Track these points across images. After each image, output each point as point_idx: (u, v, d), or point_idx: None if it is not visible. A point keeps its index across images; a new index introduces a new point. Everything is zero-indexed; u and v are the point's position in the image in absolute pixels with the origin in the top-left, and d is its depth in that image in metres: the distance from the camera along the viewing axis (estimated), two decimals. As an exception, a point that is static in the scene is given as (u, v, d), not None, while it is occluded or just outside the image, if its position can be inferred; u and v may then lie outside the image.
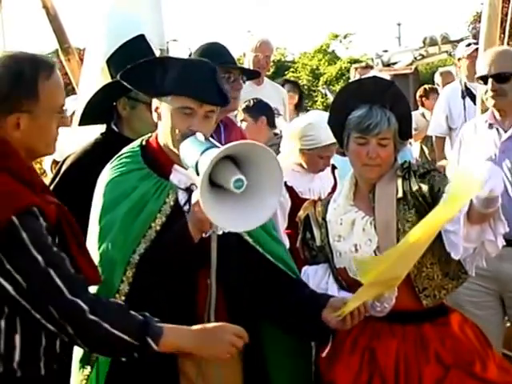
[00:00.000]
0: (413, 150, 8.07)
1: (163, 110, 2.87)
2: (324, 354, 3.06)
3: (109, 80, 3.59)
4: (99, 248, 2.79)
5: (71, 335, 2.34)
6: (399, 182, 3.16)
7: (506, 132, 3.94)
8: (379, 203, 3.16)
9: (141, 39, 3.72)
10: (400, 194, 3.14)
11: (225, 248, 2.83)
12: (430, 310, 3.16)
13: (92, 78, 4.21)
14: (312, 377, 3.18)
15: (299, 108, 8.05)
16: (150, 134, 3.01)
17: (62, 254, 2.35)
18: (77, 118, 3.81)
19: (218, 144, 2.74)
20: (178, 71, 2.85)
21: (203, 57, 3.59)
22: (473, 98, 6.29)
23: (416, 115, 7.76)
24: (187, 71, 2.86)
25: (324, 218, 3.28)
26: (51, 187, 3.19)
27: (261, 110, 5.63)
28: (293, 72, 28.64)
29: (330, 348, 3.05)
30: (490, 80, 3.92)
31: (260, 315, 3.02)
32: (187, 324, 2.55)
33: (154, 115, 2.92)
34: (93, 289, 2.55)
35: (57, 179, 3.51)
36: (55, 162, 4.31)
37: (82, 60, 5.09)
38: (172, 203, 2.88)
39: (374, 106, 3.14)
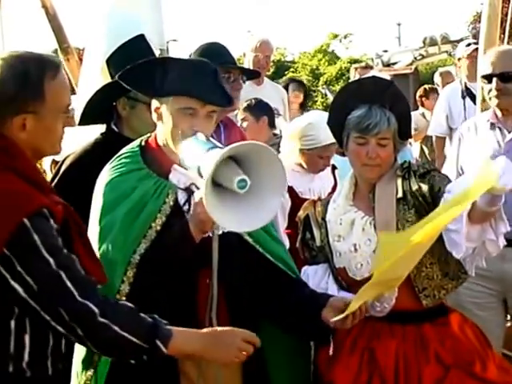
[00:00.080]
0: (413, 150, 8.07)
1: (164, 110, 2.87)
2: (330, 353, 3.05)
3: (108, 80, 3.59)
4: (99, 248, 2.78)
5: (81, 337, 2.33)
6: (399, 181, 3.16)
7: (510, 132, 3.93)
8: (379, 203, 3.16)
9: (141, 39, 3.72)
10: (400, 194, 3.14)
11: (225, 248, 2.83)
12: (429, 310, 3.16)
13: (92, 77, 4.21)
14: (311, 376, 3.18)
15: (304, 107, 8.02)
16: (148, 135, 3.01)
17: (73, 256, 2.35)
18: (76, 118, 3.81)
19: (218, 144, 2.74)
20: (180, 71, 2.85)
21: (203, 57, 3.59)
22: (473, 97, 6.29)
23: (416, 115, 7.77)
24: (189, 71, 2.86)
25: (324, 218, 3.28)
26: (51, 187, 3.18)
27: (262, 110, 5.63)
28: (293, 72, 28.61)
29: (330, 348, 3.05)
30: (494, 79, 3.90)
31: (260, 315, 3.02)
32: (187, 324, 2.54)
33: (154, 115, 2.92)
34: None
35: (56, 179, 3.51)
36: (55, 162, 4.31)
37: (81, 60, 5.10)
38: (172, 203, 2.88)
39: (373, 105, 3.14)
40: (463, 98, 6.77)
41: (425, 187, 3.11)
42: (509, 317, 4.32)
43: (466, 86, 6.80)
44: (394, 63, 14.50)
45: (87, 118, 3.67)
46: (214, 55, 3.84)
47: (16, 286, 2.27)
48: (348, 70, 17.08)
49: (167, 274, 2.80)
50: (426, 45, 14.10)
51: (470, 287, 3.86)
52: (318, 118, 4.27)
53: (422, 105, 9.22)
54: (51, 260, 2.28)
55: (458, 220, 2.92)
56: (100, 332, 2.33)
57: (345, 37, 34.65)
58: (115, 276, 2.75)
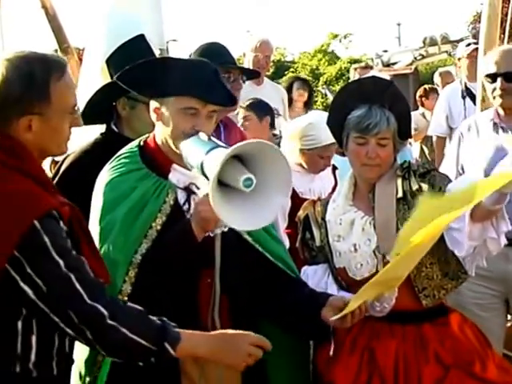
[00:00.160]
0: (413, 150, 8.08)
1: (165, 110, 2.87)
2: (331, 353, 3.05)
3: (108, 80, 3.59)
4: (100, 249, 2.78)
5: (90, 340, 2.33)
6: (399, 181, 3.16)
7: None
8: (379, 203, 3.16)
9: (140, 39, 3.72)
10: (400, 194, 3.14)
11: (225, 247, 2.84)
12: (429, 310, 3.16)
13: (91, 77, 4.21)
14: (310, 376, 3.18)
15: (308, 105, 8.00)
16: (147, 135, 3.01)
17: (82, 258, 2.35)
18: (76, 118, 3.80)
19: (221, 143, 2.74)
20: (181, 72, 2.84)
21: (203, 57, 3.60)
22: (473, 97, 6.29)
23: (416, 115, 7.78)
24: (189, 71, 2.86)
25: (323, 218, 3.28)
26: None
27: (265, 110, 5.65)
28: (292, 72, 28.56)
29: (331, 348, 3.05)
30: (499, 79, 3.90)
31: (259, 314, 3.02)
32: (189, 324, 2.53)
33: (153, 116, 2.91)
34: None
35: (56, 179, 3.50)
36: (54, 162, 4.30)
37: (80, 60, 5.10)
38: (172, 202, 2.88)
39: (373, 105, 3.14)
40: (463, 98, 6.77)
41: (425, 187, 3.11)
42: (509, 317, 4.32)
43: (465, 86, 6.81)
44: (394, 63, 14.50)
45: (87, 118, 3.65)
46: (214, 55, 3.85)
47: (25, 287, 2.26)
48: (348, 70, 17.10)
49: (169, 273, 2.80)
50: (425, 45, 14.09)
51: (472, 288, 3.87)
52: (319, 118, 4.27)
53: (422, 105, 9.22)
54: (61, 262, 2.27)
55: (460, 218, 2.92)
56: (109, 335, 2.32)
57: (345, 37, 34.65)
58: (117, 276, 2.75)
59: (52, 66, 2.37)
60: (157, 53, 4.22)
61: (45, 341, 2.36)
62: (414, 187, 3.13)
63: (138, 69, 2.92)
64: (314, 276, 3.26)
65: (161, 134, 2.91)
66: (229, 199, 2.60)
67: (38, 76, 2.34)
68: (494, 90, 3.93)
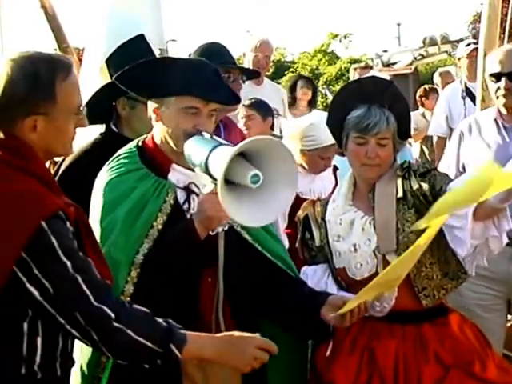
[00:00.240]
0: (413, 150, 8.07)
1: (165, 110, 2.86)
2: (328, 353, 3.05)
3: (108, 80, 3.59)
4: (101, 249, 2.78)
5: (96, 341, 2.32)
6: (399, 181, 3.16)
7: None
8: (379, 203, 3.15)
9: (140, 39, 3.72)
10: (400, 194, 3.14)
11: (226, 246, 2.85)
12: (429, 310, 3.16)
13: (91, 78, 4.21)
14: (307, 375, 3.18)
15: (312, 104, 8.00)
16: (145, 135, 3.01)
17: (88, 259, 2.34)
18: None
19: (224, 142, 2.74)
20: (181, 71, 2.84)
21: (203, 57, 3.60)
22: (473, 97, 6.28)
23: (416, 115, 7.78)
24: (190, 71, 2.86)
25: (323, 218, 3.28)
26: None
27: (267, 111, 5.66)
28: (292, 72, 28.57)
29: (330, 347, 3.05)
30: (503, 78, 3.90)
31: (259, 313, 3.02)
32: (192, 324, 2.54)
33: (153, 116, 2.91)
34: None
35: (55, 179, 3.50)
36: (53, 162, 4.30)
37: (80, 60, 5.09)
38: (172, 202, 2.88)
39: (372, 105, 3.14)
40: (463, 98, 6.77)
41: (426, 186, 3.11)
42: (509, 317, 4.32)
43: (465, 86, 6.80)
44: (394, 63, 14.49)
45: (87, 118, 3.66)
46: (214, 55, 3.85)
47: (32, 289, 2.25)
48: (348, 70, 17.10)
49: (171, 273, 2.80)
50: (425, 45, 14.08)
51: (474, 289, 3.86)
52: (319, 119, 4.26)
53: (422, 105, 9.22)
54: (68, 263, 2.26)
55: (462, 217, 2.92)
56: (115, 336, 2.31)
57: (345, 37, 34.64)
58: (119, 276, 2.75)
59: (57, 66, 2.36)
60: (157, 53, 4.22)
61: (49, 342, 2.35)
62: (415, 187, 3.13)
63: (138, 69, 2.92)
64: (314, 276, 3.25)
65: (160, 133, 2.91)
66: (235, 196, 2.59)
67: (44, 76, 2.32)
68: (498, 89, 3.92)
